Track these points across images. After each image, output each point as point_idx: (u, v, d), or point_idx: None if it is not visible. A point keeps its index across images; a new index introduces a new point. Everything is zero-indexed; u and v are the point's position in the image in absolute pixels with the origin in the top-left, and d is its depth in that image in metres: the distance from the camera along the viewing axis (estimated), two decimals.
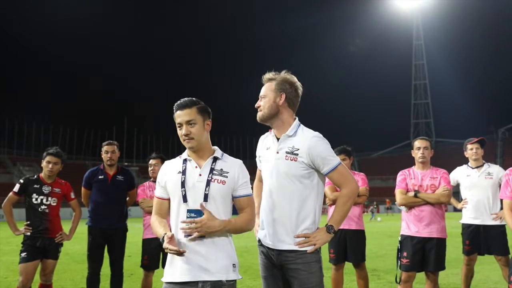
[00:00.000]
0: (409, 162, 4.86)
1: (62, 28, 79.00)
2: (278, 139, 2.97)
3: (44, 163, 5.13)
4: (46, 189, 5.08)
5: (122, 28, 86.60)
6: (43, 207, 5.03)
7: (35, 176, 5.20)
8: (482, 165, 5.53)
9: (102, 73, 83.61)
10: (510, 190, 3.58)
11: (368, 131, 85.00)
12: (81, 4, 78.77)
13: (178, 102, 2.65)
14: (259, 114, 2.99)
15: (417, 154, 4.72)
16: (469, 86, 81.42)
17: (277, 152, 2.93)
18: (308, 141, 2.88)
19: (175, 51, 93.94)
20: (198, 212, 2.52)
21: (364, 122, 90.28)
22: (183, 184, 2.58)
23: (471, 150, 5.55)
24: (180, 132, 2.61)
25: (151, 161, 5.56)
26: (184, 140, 2.62)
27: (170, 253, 2.47)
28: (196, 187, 2.57)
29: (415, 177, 4.70)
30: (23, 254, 4.97)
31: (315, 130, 3.09)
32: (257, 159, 3.16)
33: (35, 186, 5.07)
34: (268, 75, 3.01)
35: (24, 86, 79.23)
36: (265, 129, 3.16)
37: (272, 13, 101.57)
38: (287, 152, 2.89)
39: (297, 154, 2.87)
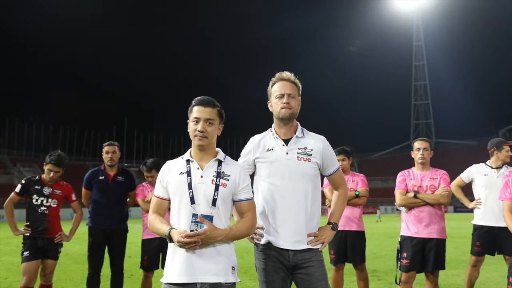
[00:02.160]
0: (410, 163, 4.86)
1: (62, 28, 79.10)
2: (283, 140, 3.01)
3: (45, 169, 5.13)
4: (47, 191, 5.09)
5: (122, 28, 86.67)
6: (42, 208, 5.04)
7: (37, 177, 5.20)
8: (501, 167, 5.48)
9: (102, 73, 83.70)
10: (510, 191, 3.57)
11: (368, 132, 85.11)
12: (81, 4, 78.84)
13: (200, 98, 2.67)
14: (289, 112, 2.98)
15: (416, 155, 4.72)
16: (470, 87, 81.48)
17: (287, 153, 2.96)
18: (321, 143, 3.04)
19: (176, 51, 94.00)
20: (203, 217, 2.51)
21: (364, 122, 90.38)
22: (190, 186, 2.57)
23: (507, 152, 5.48)
24: (195, 127, 2.60)
25: (148, 173, 5.53)
26: (196, 136, 2.60)
27: (185, 245, 2.42)
28: (197, 189, 2.57)
29: (414, 177, 4.70)
30: (25, 253, 4.98)
31: (315, 130, 3.20)
32: (246, 160, 3.09)
33: (36, 187, 5.08)
34: (292, 76, 3.06)
35: (24, 86, 79.31)
36: (262, 129, 3.18)
37: (272, 13, 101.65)
38: (298, 153, 2.97)
39: (311, 155, 2.98)
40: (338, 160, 5.03)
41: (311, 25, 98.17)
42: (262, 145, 3.06)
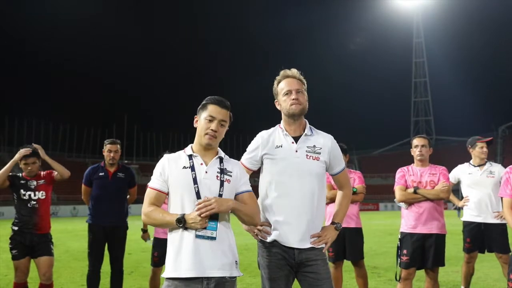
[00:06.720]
0: (409, 160, 4.86)
1: (62, 27, 79.08)
2: (293, 137, 2.97)
3: (22, 165, 5.09)
4: (31, 184, 5.07)
5: (122, 27, 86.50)
6: (32, 202, 5.02)
7: (20, 175, 5.17)
8: (484, 164, 5.51)
9: (102, 71, 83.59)
10: (510, 188, 3.56)
11: (368, 129, 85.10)
12: (81, 4, 78.71)
13: (217, 97, 2.68)
14: (299, 108, 2.94)
15: (415, 152, 4.73)
16: (470, 84, 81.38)
17: (296, 151, 2.93)
18: (329, 141, 3.03)
19: (175, 49, 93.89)
20: None
21: (364, 120, 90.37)
22: (195, 181, 2.57)
23: (481, 148, 5.51)
24: (208, 125, 2.61)
25: None
26: (207, 134, 2.61)
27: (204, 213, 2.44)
28: (203, 184, 2.57)
29: (414, 173, 4.70)
30: (13, 252, 4.98)
31: (315, 127, 3.14)
32: (253, 155, 3.04)
33: (22, 181, 5.07)
34: (297, 73, 3.02)
35: (24, 84, 79.20)
36: (262, 128, 3.16)
37: (273, 11, 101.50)
38: (307, 151, 2.94)
39: (320, 153, 2.96)
40: None
41: (310, 22, 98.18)
42: (271, 141, 3.00)
